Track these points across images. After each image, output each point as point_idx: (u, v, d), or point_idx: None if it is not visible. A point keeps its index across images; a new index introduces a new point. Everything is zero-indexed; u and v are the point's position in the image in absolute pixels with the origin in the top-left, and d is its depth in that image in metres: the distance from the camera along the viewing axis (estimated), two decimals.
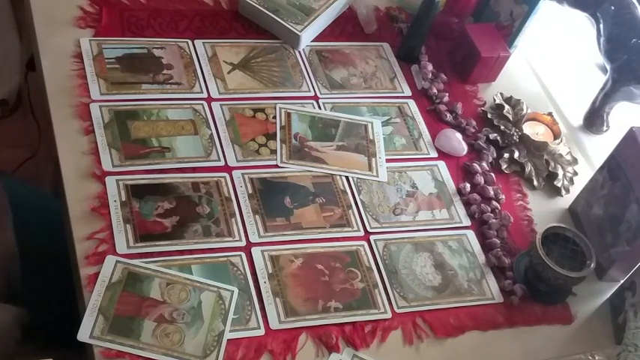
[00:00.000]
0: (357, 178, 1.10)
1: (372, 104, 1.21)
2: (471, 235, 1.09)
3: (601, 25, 1.24)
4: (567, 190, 1.19)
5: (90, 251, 0.92)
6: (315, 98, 1.18)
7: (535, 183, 1.18)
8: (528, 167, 1.19)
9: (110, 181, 0.99)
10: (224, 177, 1.04)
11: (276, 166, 1.08)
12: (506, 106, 1.24)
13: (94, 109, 1.05)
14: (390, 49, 1.30)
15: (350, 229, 1.04)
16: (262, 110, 1.14)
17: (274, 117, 1.13)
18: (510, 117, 1.23)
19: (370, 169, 1.12)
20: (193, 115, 1.09)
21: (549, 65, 1.39)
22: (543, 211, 1.16)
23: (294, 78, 1.20)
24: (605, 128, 1.31)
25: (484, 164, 1.17)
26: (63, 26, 1.13)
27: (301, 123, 1.14)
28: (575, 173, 1.21)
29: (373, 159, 1.13)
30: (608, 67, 1.26)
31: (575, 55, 1.43)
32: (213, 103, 1.12)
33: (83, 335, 0.85)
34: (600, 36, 1.24)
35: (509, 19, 1.31)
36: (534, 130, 1.22)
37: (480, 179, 1.15)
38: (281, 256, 0.99)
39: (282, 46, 1.23)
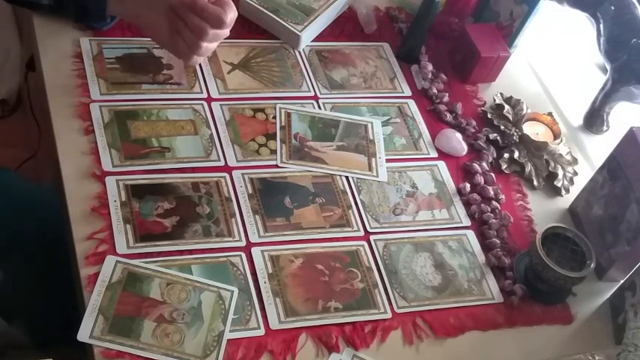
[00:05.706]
0: (357, 178, 1.10)
1: (372, 104, 1.21)
2: (471, 235, 1.09)
3: (601, 25, 1.24)
4: (567, 190, 1.19)
5: (90, 251, 0.92)
6: (315, 98, 1.18)
7: (535, 183, 1.18)
8: (528, 167, 1.19)
9: (110, 181, 0.99)
10: (224, 177, 1.04)
11: (276, 166, 1.08)
12: (506, 106, 1.24)
13: (94, 109, 1.05)
14: (390, 49, 1.30)
15: (350, 229, 1.04)
16: (262, 110, 1.14)
17: (274, 117, 1.13)
18: (510, 117, 1.23)
19: (370, 169, 1.12)
20: (193, 115, 1.09)
21: (549, 65, 1.39)
22: (543, 211, 1.16)
23: (294, 78, 1.19)
24: (605, 128, 1.31)
25: (484, 164, 1.17)
26: (63, 26, 1.13)
27: (301, 123, 1.14)
28: (575, 173, 1.21)
29: (373, 159, 1.13)
30: (608, 67, 1.26)
31: (575, 55, 1.43)
32: (213, 103, 1.12)
33: (83, 335, 0.85)
34: (600, 36, 1.24)
35: (509, 19, 1.31)
36: (534, 130, 1.22)
37: (480, 179, 1.15)
38: (281, 256, 0.99)
39: (282, 46, 1.23)
